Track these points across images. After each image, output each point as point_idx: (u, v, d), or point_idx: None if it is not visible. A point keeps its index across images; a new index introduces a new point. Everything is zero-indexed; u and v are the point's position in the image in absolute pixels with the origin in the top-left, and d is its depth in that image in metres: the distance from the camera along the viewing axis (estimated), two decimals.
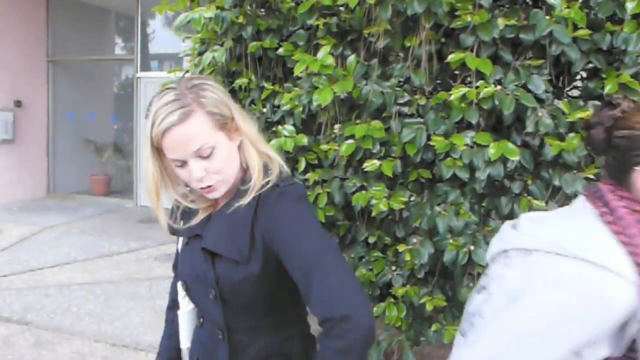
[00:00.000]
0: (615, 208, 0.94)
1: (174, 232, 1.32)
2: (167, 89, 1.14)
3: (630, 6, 1.77)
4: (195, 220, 1.25)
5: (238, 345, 1.23)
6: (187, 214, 1.28)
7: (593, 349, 0.90)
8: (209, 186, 1.15)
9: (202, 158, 1.12)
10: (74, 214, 7.85)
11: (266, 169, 1.19)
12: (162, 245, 6.25)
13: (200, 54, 2.54)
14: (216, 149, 1.12)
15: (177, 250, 1.39)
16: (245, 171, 1.20)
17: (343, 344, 1.01)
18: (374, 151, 1.96)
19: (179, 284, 1.38)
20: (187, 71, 2.84)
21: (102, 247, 6.15)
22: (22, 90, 8.48)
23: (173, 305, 1.49)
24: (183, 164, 1.13)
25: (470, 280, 2.22)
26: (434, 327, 2.37)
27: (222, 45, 2.33)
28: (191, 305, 1.40)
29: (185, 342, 1.43)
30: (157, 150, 1.14)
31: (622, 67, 1.87)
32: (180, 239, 1.35)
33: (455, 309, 2.41)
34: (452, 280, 2.44)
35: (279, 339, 1.24)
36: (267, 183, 1.17)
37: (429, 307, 2.24)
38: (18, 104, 8.44)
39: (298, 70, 1.89)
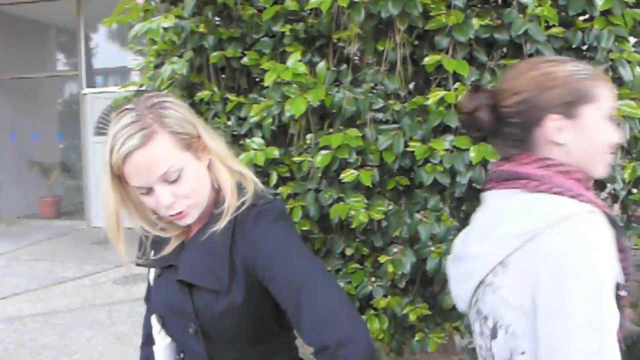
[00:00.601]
0: (534, 174, 0.94)
1: (144, 264, 1.20)
2: (125, 109, 1.02)
3: (599, 2, 1.77)
4: (167, 250, 1.14)
5: None
6: (158, 243, 1.16)
7: None
8: (179, 213, 1.04)
9: (169, 183, 1.01)
10: (22, 239, 7.46)
11: (240, 188, 1.09)
12: (120, 267, 5.98)
13: (157, 67, 2.40)
14: (184, 171, 1.02)
15: (149, 281, 1.27)
16: (217, 192, 1.10)
17: None
18: (351, 161, 1.87)
19: (153, 318, 1.26)
20: (142, 85, 2.68)
21: (55, 273, 5.84)
22: None
23: (148, 341, 1.37)
24: (148, 191, 1.02)
25: None
26: (417, 337, 2.31)
27: (180, 56, 2.20)
28: (168, 340, 1.28)
29: None
30: (118, 178, 1.03)
31: (594, 63, 1.86)
32: (152, 270, 1.24)
33: (437, 316, 2.36)
34: (432, 288, 2.39)
35: None
36: (243, 203, 1.07)
37: (412, 317, 2.18)
38: None
39: (269, 80, 1.79)
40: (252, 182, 1.11)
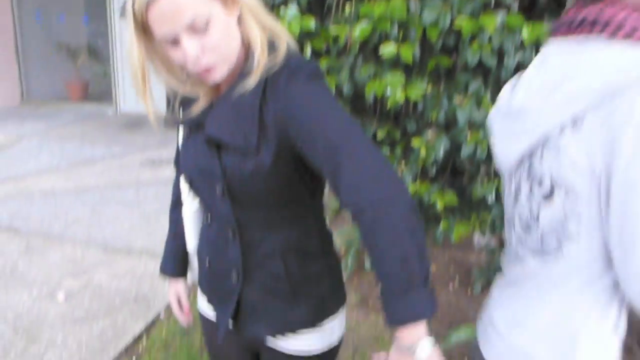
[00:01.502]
0: (623, 18, 0.80)
1: (172, 124, 1.16)
2: None
3: None
4: (196, 109, 1.09)
5: (250, 242, 1.13)
6: (187, 102, 1.12)
7: None
8: (207, 69, 0.98)
9: (196, 33, 0.94)
10: (51, 120, 7.58)
11: (271, 46, 1.01)
12: (147, 150, 6.09)
13: None
14: (211, 21, 0.94)
15: (178, 144, 1.24)
16: (247, 49, 1.03)
17: (398, 231, 0.87)
18: (392, 34, 1.76)
19: (182, 181, 1.24)
20: None
21: (84, 153, 5.98)
22: None
23: (177, 204, 1.37)
24: (174, 42, 0.95)
25: (485, 177, 2.14)
26: (442, 226, 2.32)
27: None
28: (196, 204, 1.28)
29: (191, 242, 1.33)
30: (143, 29, 0.96)
31: None
32: (181, 131, 1.20)
33: (465, 207, 2.35)
34: (463, 178, 2.36)
35: (295, 234, 1.12)
36: (274, 62, 0.99)
37: (439, 205, 2.17)
38: None
39: None
40: (285, 40, 1.03)
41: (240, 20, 1.01)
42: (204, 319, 1.35)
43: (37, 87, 8.83)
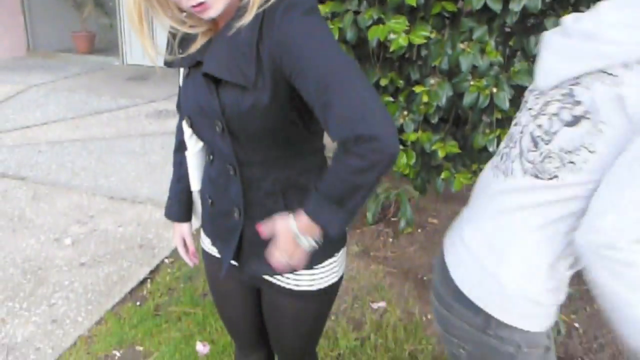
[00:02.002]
0: None
1: (171, 63, 1.15)
2: None
3: None
4: (194, 47, 1.08)
5: (251, 180, 1.14)
6: (185, 41, 1.11)
7: None
8: (201, 3, 0.96)
9: None
10: (58, 72, 7.56)
11: None
12: (153, 102, 6.09)
13: None
14: None
15: (179, 85, 1.24)
16: None
17: (363, 164, 0.89)
18: None
19: (184, 123, 1.25)
20: None
21: (91, 104, 5.98)
22: None
23: (180, 147, 1.38)
24: None
25: (487, 127, 2.12)
26: (443, 175, 2.32)
27: None
28: (199, 145, 1.29)
29: (195, 183, 1.35)
30: None
31: None
32: (182, 72, 1.19)
33: (466, 157, 2.34)
34: (465, 128, 2.35)
35: (295, 172, 1.14)
36: None
37: (440, 154, 2.16)
38: None
39: None
40: None
41: None
42: (207, 257, 1.38)
43: (43, 38, 8.77)
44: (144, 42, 1.04)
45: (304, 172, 1.15)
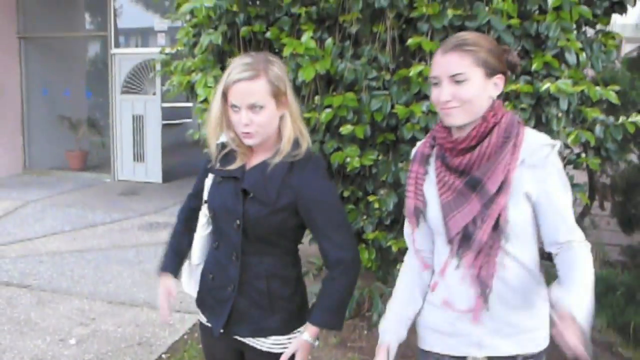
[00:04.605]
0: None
1: (211, 170, 1.64)
2: (249, 54, 1.52)
3: (550, 1, 2.22)
4: (232, 166, 1.56)
5: (248, 265, 1.55)
6: (225, 160, 1.58)
7: None
8: (248, 133, 1.46)
9: (252, 111, 1.44)
10: (53, 188, 7.93)
11: (296, 142, 1.53)
12: (145, 215, 6.47)
13: (195, 36, 2.90)
14: (264, 109, 1.47)
15: (205, 184, 1.66)
16: (278, 136, 1.52)
17: (348, 281, 1.53)
18: (348, 118, 2.37)
19: (205, 210, 1.65)
20: (178, 48, 3.19)
21: (86, 218, 6.31)
22: None
23: (183, 215, 1.77)
24: (238, 110, 1.44)
25: None
26: (398, 266, 2.82)
27: (215, 29, 2.69)
28: (208, 230, 1.69)
29: (196, 258, 1.71)
30: (224, 96, 1.49)
31: (546, 49, 2.32)
32: (210, 177, 1.64)
33: None
34: None
35: (280, 264, 1.57)
36: (297, 151, 1.49)
37: (394, 249, 2.69)
38: None
39: (286, 52, 2.29)
40: (307, 140, 1.56)
41: (282, 118, 1.53)
42: (203, 328, 1.71)
43: (38, 157, 9.16)
44: (211, 144, 1.58)
45: (286, 265, 1.61)
